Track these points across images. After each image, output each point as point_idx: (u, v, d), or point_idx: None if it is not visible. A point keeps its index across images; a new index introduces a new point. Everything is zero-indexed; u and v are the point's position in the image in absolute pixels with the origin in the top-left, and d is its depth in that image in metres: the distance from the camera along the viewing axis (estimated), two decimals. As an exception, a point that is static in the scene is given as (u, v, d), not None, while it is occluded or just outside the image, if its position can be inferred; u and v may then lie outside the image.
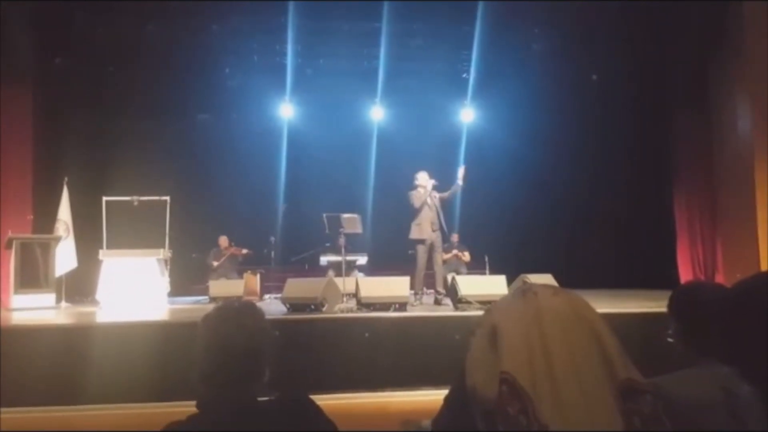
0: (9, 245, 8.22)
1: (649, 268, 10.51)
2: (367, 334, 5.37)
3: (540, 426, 0.90)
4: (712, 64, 10.30)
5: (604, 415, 0.91)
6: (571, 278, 6.69)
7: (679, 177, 11.18)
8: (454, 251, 10.62)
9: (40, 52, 9.78)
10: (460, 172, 8.02)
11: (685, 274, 10.65)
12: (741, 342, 1.27)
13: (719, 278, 10.02)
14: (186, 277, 10.50)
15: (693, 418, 1.48)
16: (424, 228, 7.86)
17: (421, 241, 7.89)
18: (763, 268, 9.08)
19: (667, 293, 1.99)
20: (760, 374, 1.21)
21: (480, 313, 1.08)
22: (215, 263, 10.69)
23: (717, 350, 1.74)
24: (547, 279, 7.46)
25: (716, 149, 10.41)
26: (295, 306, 6.93)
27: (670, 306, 1.95)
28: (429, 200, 7.90)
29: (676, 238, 10.99)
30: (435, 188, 8.00)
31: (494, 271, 9.64)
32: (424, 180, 7.99)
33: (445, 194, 8.07)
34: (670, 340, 1.92)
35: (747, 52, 9.30)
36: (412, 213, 7.96)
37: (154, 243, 9.10)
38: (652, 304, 6.08)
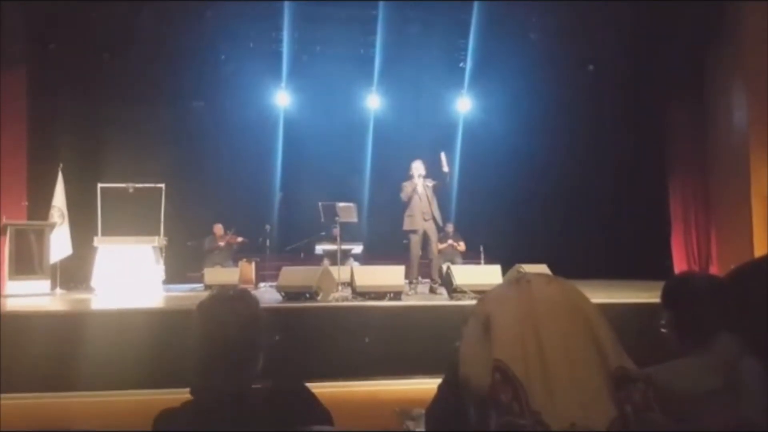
0: (3, 231, 8.20)
1: (643, 259, 10.54)
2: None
3: (532, 413, 0.91)
4: (709, 55, 10.29)
5: (596, 403, 0.91)
6: (566, 268, 6.67)
7: (674, 168, 11.20)
8: (449, 241, 10.63)
9: (34, 38, 9.70)
10: (442, 159, 7.95)
11: (679, 265, 10.69)
12: (746, 317, 1.29)
13: (713, 269, 10.06)
14: (181, 265, 10.49)
15: (684, 407, 1.49)
16: (416, 218, 7.88)
17: (413, 231, 7.91)
18: (757, 259, 9.10)
19: (661, 284, 2.00)
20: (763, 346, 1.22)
21: (475, 302, 1.08)
22: (221, 244, 10.69)
23: (711, 336, 1.75)
24: (541, 269, 7.46)
25: (711, 140, 10.42)
26: (290, 294, 6.93)
27: (663, 296, 1.96)
28: (420, 189, 7.90)
29: (671, 229, 11.03)
30: (426, 177, 7.99)
31: (489, 260, 9.65)
32: (416, 170, 7.99)
33: (438, 183, 8.05)
34: (663, 330, 1.93)
35: (744, 43, 9.29)
36: (404, 204, 7.98)
37: (150, 230, 9.08)
38: (646, 294, 6.11)
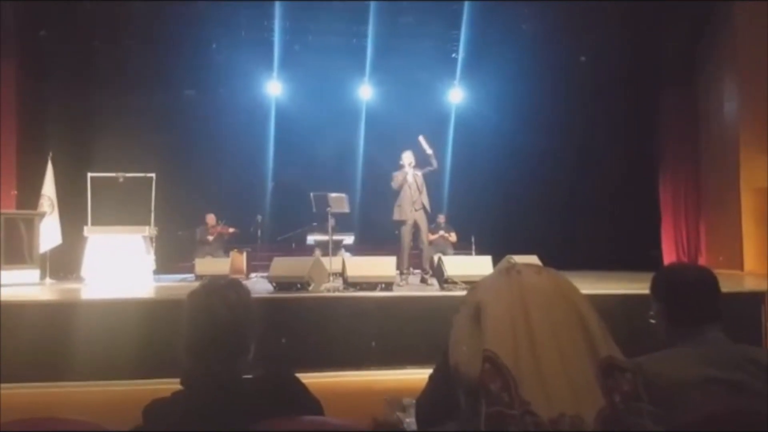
0: (-8, 220, 8.14)
1: (633, 250, 10.59)
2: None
3: (522, 403, 0.91)
4: (701, 49, 10.33)
5: (585, 392, 0.92)
6: (556, 259, 6.70)
7: (664, 160, 11.25)
8: (440, 232, 10.59)
9: (24, 25, 9.61)
10: (423, 142, 7.95)
11: (668, 257, 10.76)
12: None
13: (702, 260, 10.14)
14: (172, 255, 10.45)
15: (673, 396, 1.50)
16: (404, 209, 7.88)
17: (403, 222, 7.91)
18: (746, 251, 9.19)
19: (651, 275, 2.01)
20: None
21: (465, 293, 1.09)
22: (210, 237, 10.65)
23: (700, 327, 1.77)
24: (532, 260, 7.49)
25: (702, 132, 10.48)
26: (281, 285, 6.92)
27: (652, 287, 1.97)
28: (410, 179, 7.89)
29: (661, 221, 11.09)
30: (415, 166, 7.98)
31: (480, 251, 9.67)
32: (406, 160, 7.98)
33: (426, 170, 8.05)
34: (652, 321, 1.95)
35: (735, 38, 9.34)
36: (395, 194, 7.99)
37: (140, 220, 9.03)
38: (636, 285, 6.14)
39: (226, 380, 1.62)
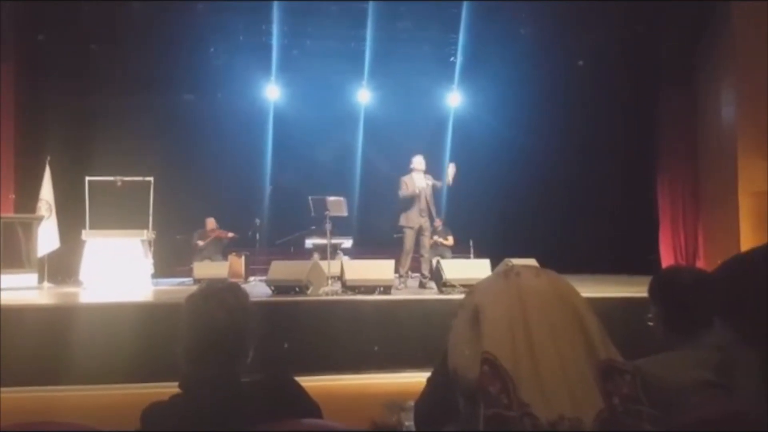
0: (-10, 224, 8.13)
1: (631, 254, 10.59)
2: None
3: (521, 405, 0.91)
4: (699, 53, 10.34)
5: (584, 395, 0.92)
6: (554, 263, 6.67)
7: (662, 164, 11.25)
8: (435, 237, 10.41)
9: (22, 29, 9.61)
10: (450, 170, 7.86)
11: (666, 260, 10.75)
12: (741, 305, 1.29)
13: (700, 264, 10.13)
14: (170, 259, 10.44)
15: (671, 399, 1.50)
16: (412, 216, 7.84)
17: (410, 227, 7.87)
18: (744, 255, 9.18)
19: (649, 278, 2.02)
20: (759, 336, 1.23)
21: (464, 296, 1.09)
22: (200, 242, 10.63)
23: (698, 330, 1.77)
24: (530, 263, 7.48)
25: (700, 136, 10.49)
26: (279, 288, 6.93)
27: (650, 291, 1.97)
28: (422, 185, 7.84)
29: (659, 224, 11.09)
30: (425, 173, 7.95)
31: (479, 255, 9.66)
32: (418, 165, 7.92)
33: (434, 182, 8.01)
34: (650, 323, 1.95)
35: (734, 42, 9.35)
36: (401, 200, 7.90)
37: (138, 224, 9.01)
38: (634, 288, 6.15)
39: (224, 384, 1.62)
